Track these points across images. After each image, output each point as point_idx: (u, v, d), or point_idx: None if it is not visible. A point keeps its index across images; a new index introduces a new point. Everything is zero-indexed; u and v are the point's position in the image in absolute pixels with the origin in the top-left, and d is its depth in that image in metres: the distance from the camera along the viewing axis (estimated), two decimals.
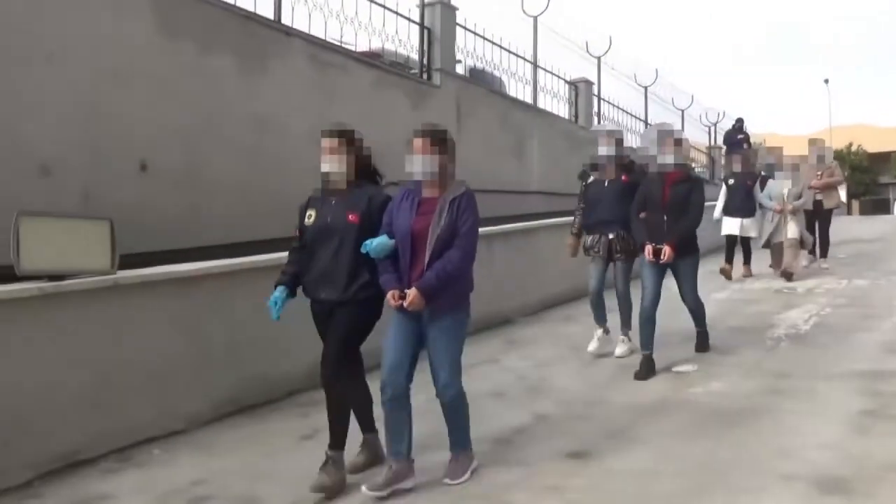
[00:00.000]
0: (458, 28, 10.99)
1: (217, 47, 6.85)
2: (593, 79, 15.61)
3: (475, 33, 11.49)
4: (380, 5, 9.35)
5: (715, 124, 21.98)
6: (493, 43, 12.04)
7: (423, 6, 10.48)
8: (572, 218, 6.56)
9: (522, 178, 12.20)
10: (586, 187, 6.27)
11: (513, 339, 7.04)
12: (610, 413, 4.68)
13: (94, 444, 4.14)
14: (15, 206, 4.08)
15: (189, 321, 4.74)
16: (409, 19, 10.05)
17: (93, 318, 4.21)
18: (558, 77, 14.26)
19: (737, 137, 16.20)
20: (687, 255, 5.51)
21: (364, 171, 3.89)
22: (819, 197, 10.06)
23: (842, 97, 71.69)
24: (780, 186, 9.38)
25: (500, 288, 7.65)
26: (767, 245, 9.65)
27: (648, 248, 5.41)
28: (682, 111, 19.96)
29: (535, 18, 13.89)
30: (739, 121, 16.80)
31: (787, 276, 9.10)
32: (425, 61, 10.36)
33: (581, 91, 14.93)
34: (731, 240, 9.66)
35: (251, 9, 7.49)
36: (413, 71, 10.29)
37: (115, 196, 5.64)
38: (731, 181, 9.63)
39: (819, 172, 10.03)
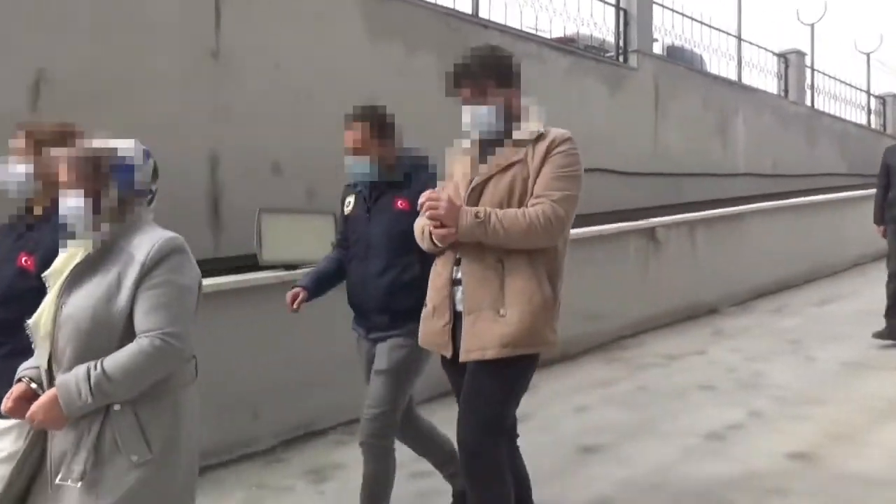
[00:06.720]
0: (654, 6, 10.65)
1: (422, 47, 7.17)
2: (806, 49, 14.43)
3: (673, 10, 11.08)
4: None
5: None
6: (693, 19, 11.55)
7: None
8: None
9: (727, 160, 11.61)
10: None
11: (720, 329, 6.76)
12: (834, 414, 4.38)
13: (325, 417, 4.55)
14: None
15: None
16: (604, 1, 9.89)
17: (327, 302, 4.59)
18: (765, 49, 13.36)
19: None
20: None
21: None
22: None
23: None
24: None
25: (705, 277, 7.38)
26: None
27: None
28: None
29: None
30: None
31: None
32: (621, 43, 10.15)
33: (791, 63, 13.87)
34: None
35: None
36: (609, 54, 10.12)
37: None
38: None
39: None
